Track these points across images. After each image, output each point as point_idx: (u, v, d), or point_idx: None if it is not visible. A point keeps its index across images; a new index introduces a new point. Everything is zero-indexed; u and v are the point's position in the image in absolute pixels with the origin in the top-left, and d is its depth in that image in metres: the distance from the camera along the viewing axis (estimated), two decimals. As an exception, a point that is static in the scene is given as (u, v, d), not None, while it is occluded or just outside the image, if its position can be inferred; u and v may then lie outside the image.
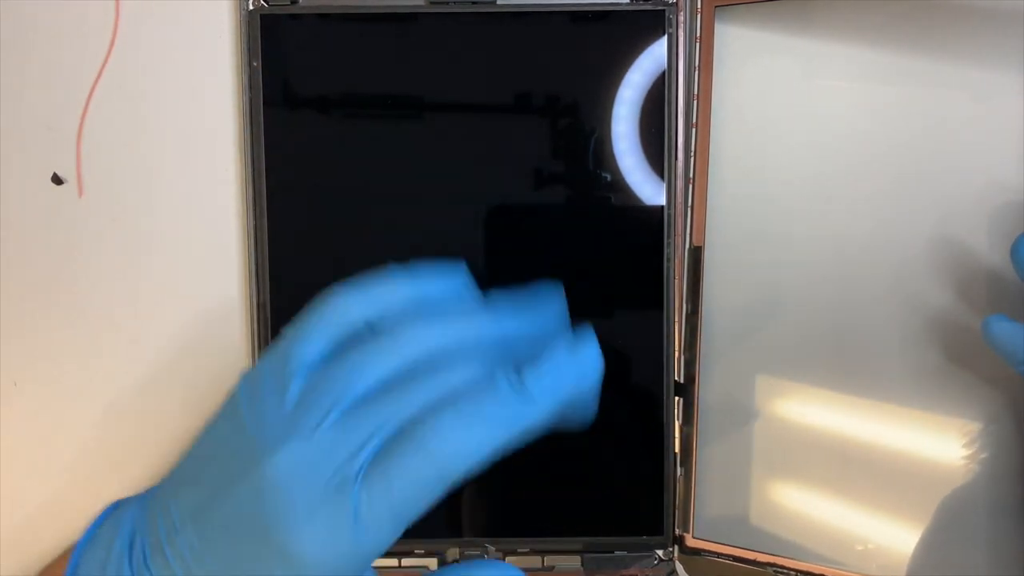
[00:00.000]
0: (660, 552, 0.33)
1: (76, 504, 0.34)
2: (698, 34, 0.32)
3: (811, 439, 0.33)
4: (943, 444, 0.31)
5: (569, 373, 0.23)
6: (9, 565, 0.34)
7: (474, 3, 0.32)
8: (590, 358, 0.23)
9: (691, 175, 0.33)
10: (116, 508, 0.27)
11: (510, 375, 0.23)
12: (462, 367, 0.23)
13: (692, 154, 0.33)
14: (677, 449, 0.33)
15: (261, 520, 0.23)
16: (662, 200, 0.33)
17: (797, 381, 0.33)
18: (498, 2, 0.32)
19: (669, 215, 0.33)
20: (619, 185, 0.33)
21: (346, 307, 0.24)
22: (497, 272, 0.33)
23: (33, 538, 0.34)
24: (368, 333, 0.24)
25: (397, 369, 0.24)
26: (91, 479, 0.34)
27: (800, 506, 0.33)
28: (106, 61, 0.33)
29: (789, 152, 0.32)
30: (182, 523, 0.24)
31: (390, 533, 0.23)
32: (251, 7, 0.32)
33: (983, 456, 0.31)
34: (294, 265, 0.33)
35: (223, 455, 0.24)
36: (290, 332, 0.25)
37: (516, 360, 0.23)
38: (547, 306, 0.25)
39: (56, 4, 0.33)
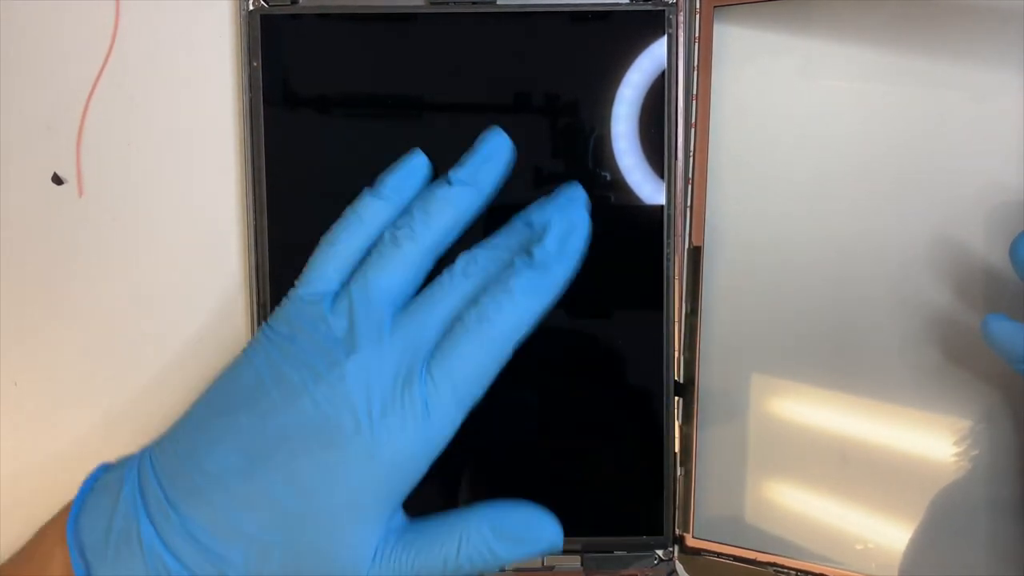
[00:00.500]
0: (660, 552, 0.33)
1: (76, 504, 0.34)
2: (697, 34, 0.32)
3: (811, 439, 0.33)
4: (942, 443, 0.31)
5: (567, 236, 0.28)
6: (9, 565, 0.34)
7: (474, 3, 0.32)
8: (578, 214, 0.28)
9: (691, 175, 0.33)
10: (107, 469, 0.28)
11: (522, 256, 0.27)
12: (480, 259, 0.28)
13: (691, 154, 0.33)
14: (677, 449, 0.33)
15: (333, 424, 0.26)
16: (662, 200, 0.33)
17: (797, 381, 0.33)
18: (498, 2, 0.32)
19: (669, 215, 0.33)
20: (619, 185, 0.33)
21: (348, 237, 0.29)
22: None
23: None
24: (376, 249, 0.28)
25: (418, 267, 0.28)
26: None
27: (800, 506, 0.33)
28: (106, 61, 0.33)
29: (789, 152, 0.32)
30: (217, 452, 0.26)
31: (455, 419, 0.27)
32: (251, 7, 0.32)
33: (982, 455, 0.31)
34: (294, 265, 0.33)
35: (266, 388, 0.27)
36: (303, 277, 0.29)
37: (524, 243, 0.28)
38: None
39: (56, 4, 0.33)
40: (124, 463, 0.28)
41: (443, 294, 0.28)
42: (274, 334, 0.28)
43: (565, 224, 0.28)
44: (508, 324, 0.27)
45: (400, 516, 0.28)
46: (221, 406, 0.28)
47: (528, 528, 0.28)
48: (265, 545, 0.26)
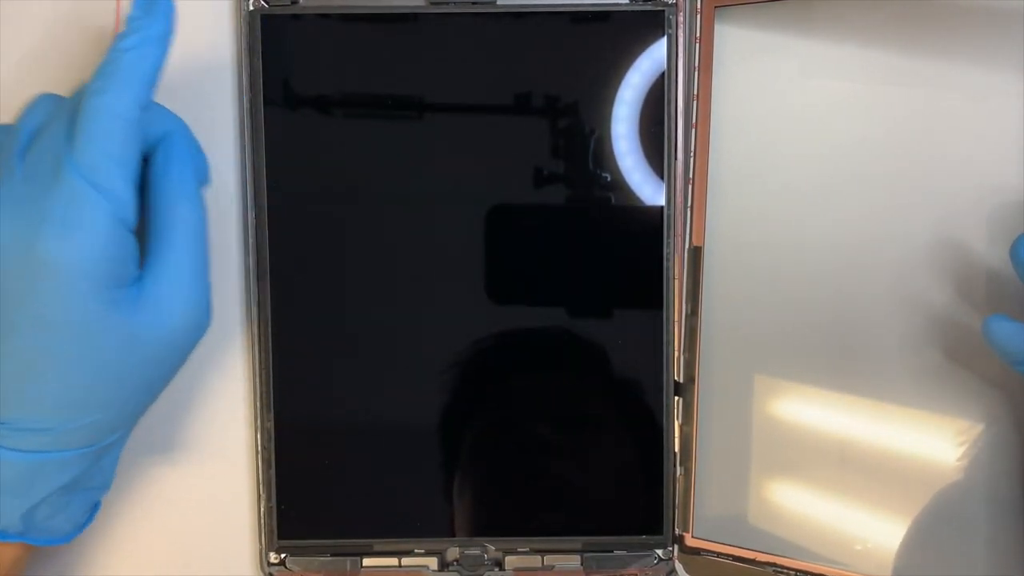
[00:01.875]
0: (660, 551, 0.33)
1: (77, 504, 0.34)
2: (698, 34, 0.32)
3: (811, 439, 0.33)
4: (942, 444, 0.31)
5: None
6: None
7: (474, 3, 0.32)
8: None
9: (691, 175, 0.33)
10: None
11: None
12: None
13: (692, 154, 0.33)
14: (677, 449, 0.33)
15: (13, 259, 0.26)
16: (662, 200, 0.33)
17: (797, 381, 0.33)
18: (498, 2, 0.32)
19: (669, 215, 0.33)
20: (619, 185, 0.33)
21: None
22: (497, 272, 0.33)
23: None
24: None
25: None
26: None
27: (800, 505, 0.33)
28: (106, 61, 0.33)
29: (788, 152, 0.32)
30: None
31: (125, 176, 0.27)
32: (251, 7, 0.32)
33: (983, 456, 0.31)
34: (294, 265, 0.33)
35: None
36: None
37: None
38: None
39: (56, 4, 0.33)
40: None
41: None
42: None
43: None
44: (112, 86, 0.27)
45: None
46: None
47: None
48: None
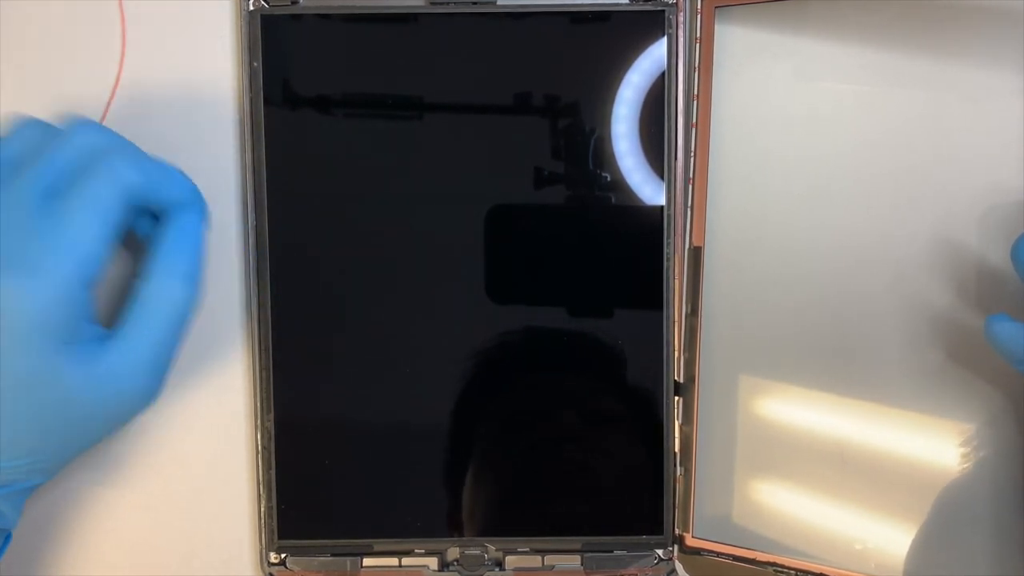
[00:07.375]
0: (660, 551, 0.33)
1: (74, 500, 0.34)
2: (698, 35, 0.32)
3: (810, 439, 0.33)
4: (943, 445, 0.31)
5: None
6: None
7: (474, 3, 0.32)
8: None
9: (691, 175, 0.33)
10: None
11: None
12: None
13: (692, 154, 0.33)
14: (677, 449, 0.33)
15: None
16: (662, 200, 0.33)
17: (797, 381, 0.33)
18: (498, 2, 0.32)
19: (669, 215, 0.33)
20: (619, 185, 0.33)
21: None
22: (497, 272, 0.33)
23: (33, 533, 0.34)
24: None
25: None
26: (90, 477, 0.34)
27: (800, 506, 0.33)
28: (121, 65, 0.33)
29: (789, 152, 0.32)
30: None
31: (103, 235, 0.26)
32: (251, 7, 0.32)
33: (984, 457, 0.31)
34: (294, 265, 0.33)
35: None
36: None
37: None
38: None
39: (56, 4, 0.33)
40: None
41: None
42: None
43: None
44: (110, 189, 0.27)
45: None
46: None
47: None
48: None
